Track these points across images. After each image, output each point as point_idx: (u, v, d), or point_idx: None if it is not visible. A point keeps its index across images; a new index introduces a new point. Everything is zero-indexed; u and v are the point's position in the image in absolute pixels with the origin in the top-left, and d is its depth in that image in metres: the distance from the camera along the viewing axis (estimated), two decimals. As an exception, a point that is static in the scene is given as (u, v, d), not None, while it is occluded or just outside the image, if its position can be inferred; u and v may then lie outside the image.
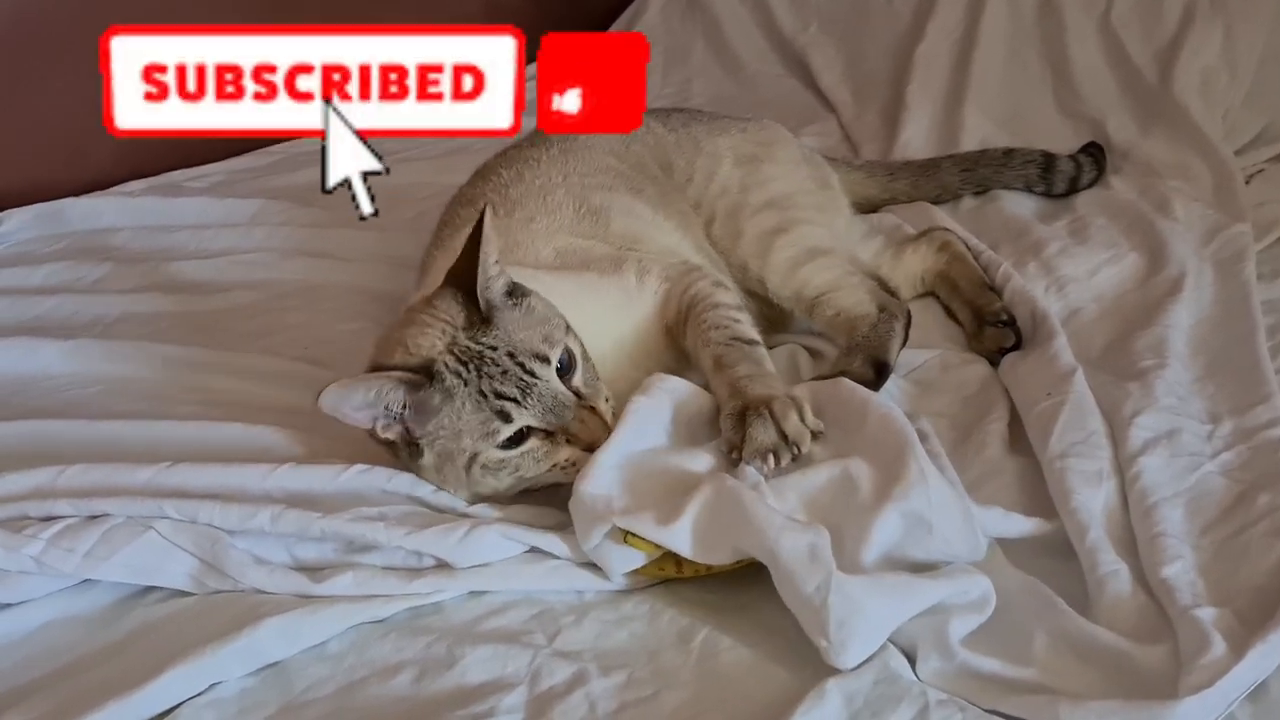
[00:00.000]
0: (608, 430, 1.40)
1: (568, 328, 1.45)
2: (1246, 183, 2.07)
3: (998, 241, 1.94)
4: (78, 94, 2.52)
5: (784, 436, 1.38)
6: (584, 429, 1.40)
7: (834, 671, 1.19)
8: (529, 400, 1.39)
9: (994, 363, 1.69)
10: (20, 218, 2.32)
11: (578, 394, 1.42)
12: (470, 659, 1.27)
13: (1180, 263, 1.82)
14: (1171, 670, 1.16)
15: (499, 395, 1.38)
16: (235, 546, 1.37)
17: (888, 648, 1.22)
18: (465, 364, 1.39)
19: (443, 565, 1.36)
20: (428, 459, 1.42)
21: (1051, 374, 1.59)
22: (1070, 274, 1.84)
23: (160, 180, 2.50)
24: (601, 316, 1.55)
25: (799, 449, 1.37)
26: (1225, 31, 2.31)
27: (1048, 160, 2.11)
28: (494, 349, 1.40)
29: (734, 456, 1.39)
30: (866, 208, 2.10)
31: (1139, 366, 1.60)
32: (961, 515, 1.31)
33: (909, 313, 1.75)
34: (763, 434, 1.38)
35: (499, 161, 1.87)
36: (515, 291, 1.45)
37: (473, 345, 1.40)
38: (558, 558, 1.37)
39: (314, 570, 1.37)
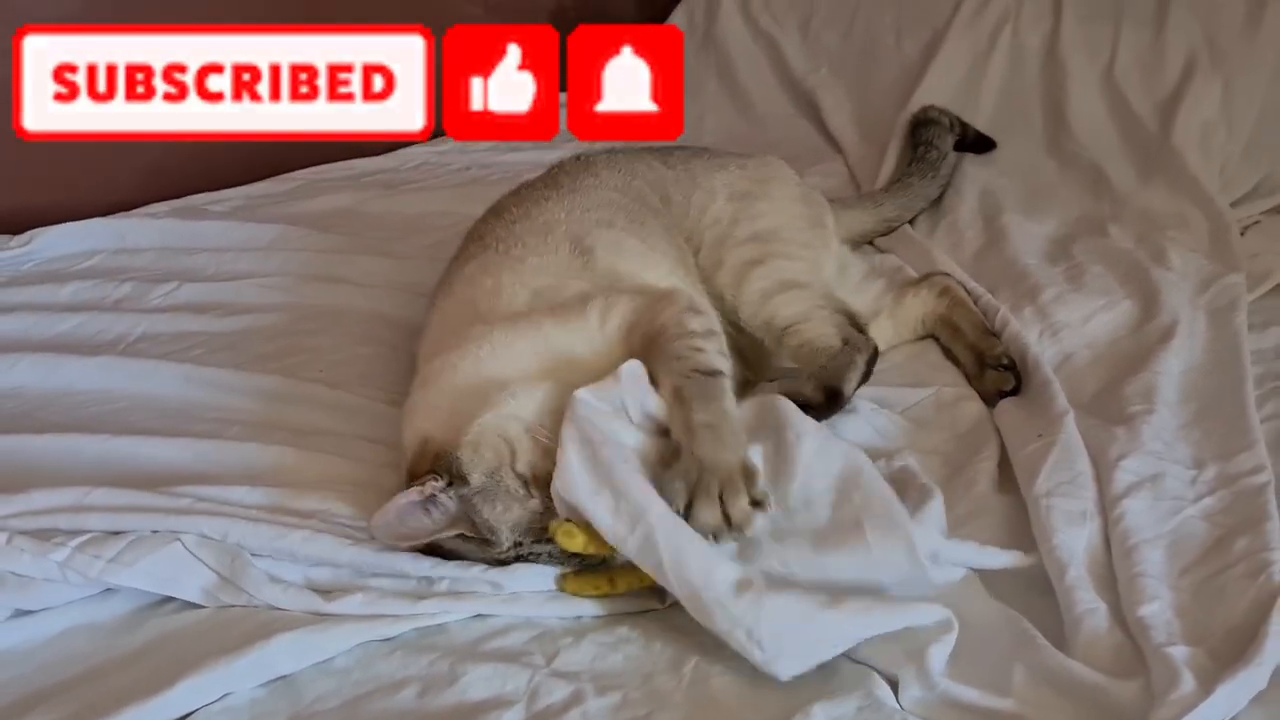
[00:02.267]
0: None
1: (533, 473, 1.45)
2: (1242, 234, 2.11)
3: (996, 286, 1.99)
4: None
5: (728, 519, 1.36)
6: None
7: (820, 696, 1.24)
8: None
9: (992, 405, 1.74)
10: (47, 237, 2.36)
11: None
12: (471, 677, 1.32)
13: (1173, 311, 1.86)
14: (1144, 705, 1.20)
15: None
16: (254, 566, 1.42)
17: (872, 675, 1.27)
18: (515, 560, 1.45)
19: (453, 592, 1.42)
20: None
21: (1044, 417, 1.64)
22: (1064, 320, 1.89)
23: (182, 203, 2.55)
24: (565, 369, 1.53)
25: (743, 532, 1.36)
26: (1224, 86, 2.35)
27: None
28: (517, 544, 1.44)
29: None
30: (869, 238, 2.19)
31: (1128, 412, 1.65)
32: (906, 549, 1.33)
33: (875, 349, 1.79)
34: (708, 514, 1.36)
35: (511, 200, 1.92)
36: (456, 468, 1.44)
37: (503, 557, 1.45)
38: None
39: (325, 591, 1.42)
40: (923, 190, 2.29)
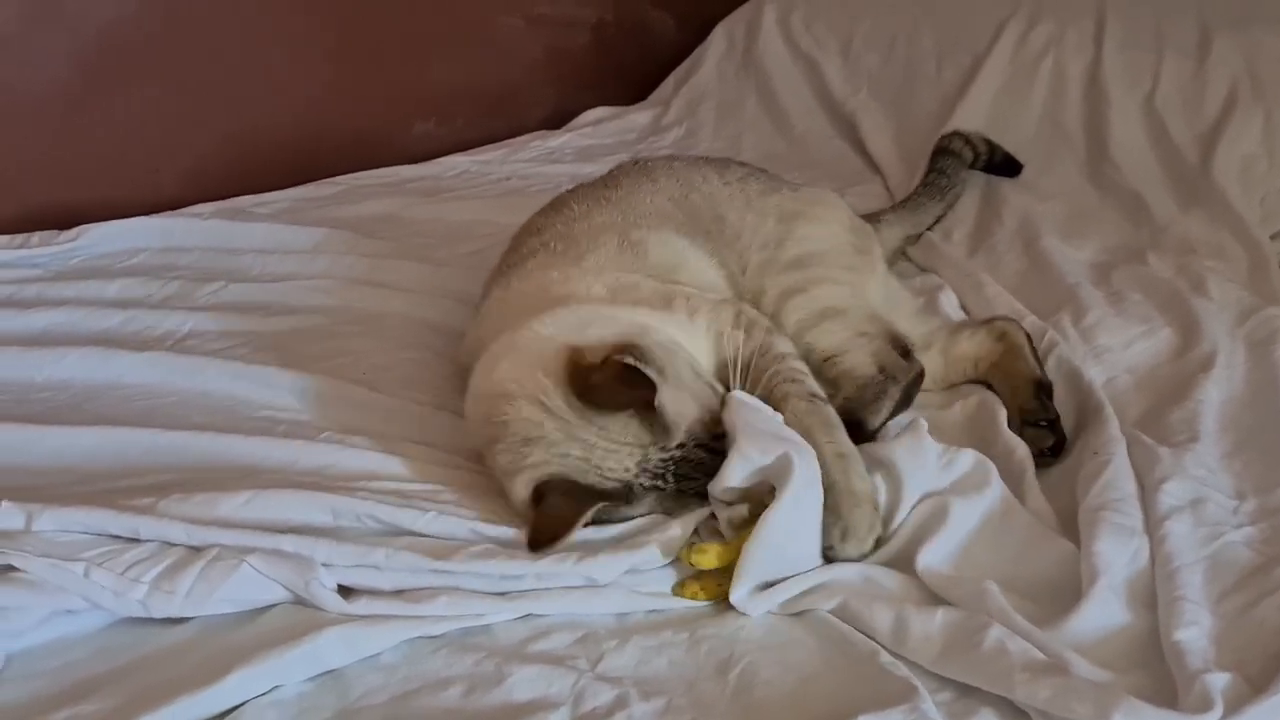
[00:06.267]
0: None
1: (698, 372, 1.55)
2: (1280, 267, 2.12)
3: (1038, 307, 1.98)
4: (152, 116, 2.63)
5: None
6: None
7: (865, 708, 1.24)
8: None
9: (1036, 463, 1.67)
10: (94, 232, 2.38)
11: None
12: (517, 677, 1.33)
13: (1213, 341, 1.87)
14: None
15: (697, 494, 1.53)
16: (324, 582, 1.41)
17: (918, 688, 1.28)
18: (660, 475, 1.51)
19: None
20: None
21: (1099, 438, 1.64)
22: (1106, 344, 1.90)
23: (228, 205, 2.57)
24: None
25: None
26: (1266, 118, 2.37)
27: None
28: (681, 445, 1.51)
29: None
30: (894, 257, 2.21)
31: (1172, 441, 1.65)
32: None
33: (918, 373, 1.76)
34: (854, 549, 1.51)
35: (570, 197, 1.97)
36: (646, 358, 1.49)
37: (663, 456, 1.51)
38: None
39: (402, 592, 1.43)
40: (933, 210, 2.32)
